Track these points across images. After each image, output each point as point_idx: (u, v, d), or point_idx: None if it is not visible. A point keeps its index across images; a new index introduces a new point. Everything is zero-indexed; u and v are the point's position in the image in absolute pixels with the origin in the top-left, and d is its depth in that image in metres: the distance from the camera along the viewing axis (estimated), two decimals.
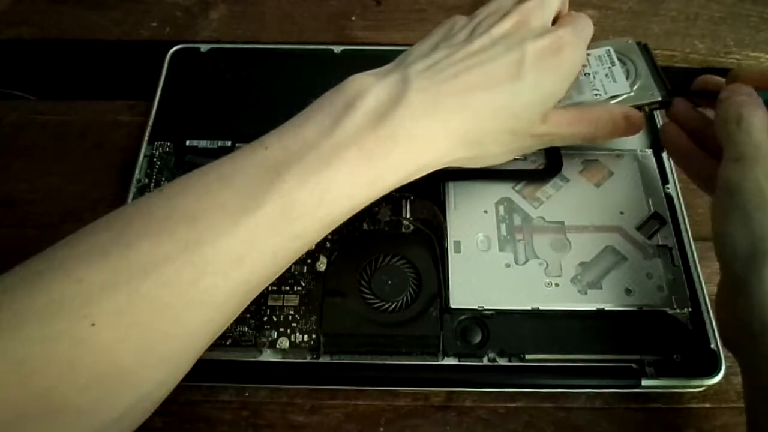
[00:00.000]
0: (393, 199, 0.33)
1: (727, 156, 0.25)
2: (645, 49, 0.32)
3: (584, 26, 0.29)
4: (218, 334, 0.24)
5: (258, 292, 0.25)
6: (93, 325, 0.20)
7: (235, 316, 0.25)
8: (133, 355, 0.21)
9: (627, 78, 0.31)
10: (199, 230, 0.22)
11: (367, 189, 0.25)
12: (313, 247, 0.31)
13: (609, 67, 0.31)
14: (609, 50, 0.32)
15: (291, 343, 0.29)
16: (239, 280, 0.23)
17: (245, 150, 0.25)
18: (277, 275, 0.25)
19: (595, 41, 0.31)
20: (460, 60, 0.26)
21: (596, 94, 0.30)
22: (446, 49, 0.27)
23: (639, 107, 0.31)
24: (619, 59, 0.31)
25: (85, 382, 0.20)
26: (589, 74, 0.31)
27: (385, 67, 0.27)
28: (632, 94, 0.30)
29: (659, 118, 0.36)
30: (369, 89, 0.25)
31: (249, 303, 0.25)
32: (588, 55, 0.31)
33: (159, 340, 0.21)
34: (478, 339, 0.29)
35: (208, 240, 0.22)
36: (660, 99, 0.30)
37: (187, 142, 0.35)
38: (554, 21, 0.29)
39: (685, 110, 0.30)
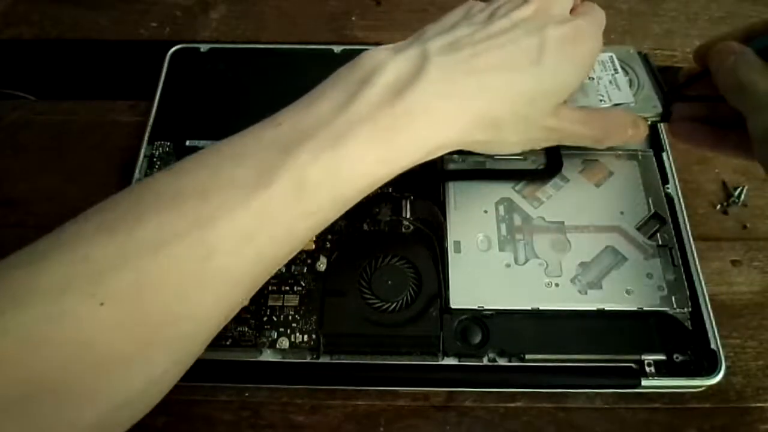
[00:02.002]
0: (393, 199, 0.33)
1: (747, 113, 0.25)
2: (645, 60, 0.32)
3: (600, 16, 0.29)
4: (231, 316, 0.24)
5: (271, 273, 0.24)
6: (101, 304, 0.19)
7: (249, 297, 0.24)
8: (142, 335, 0.20)
9: (630, 87, 0.31)
10: (210, 206, 0.21)
11: (382, 167, 0.24)
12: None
13: (612, 74, 0.31)
14: (612, 57, 0.32)
15: (291, 343, 0.29)
16: (251, 259, 0.22)
17: (257, 127, 0.24)
18: (291, 255, 0.25)
19: None
20: (480, 40, 0.26)
21: (601, 100, 0.30)
22: (466, 28, 0.27)
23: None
24: (621, 67, 0.31)
25: (94, 361, 0.19)
26: (593, 78, 0.31)
27: (401, 42, 0.27)
28: (635, 104, 0.30)
29: None
30: (386, 63, 0.25)
31: (262, 284, 0.24)
32: (598, 53, 0.31)
33: (168, 321, 0.21)
34: (478, 339, 0.29)
35: (219, 216, 0.21)
36: (661, 112, 0.30)
37: (187, 142, 0.35)
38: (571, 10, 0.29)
39: (683, 108, 0.31)
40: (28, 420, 0.19)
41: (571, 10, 0.29)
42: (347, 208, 0.25)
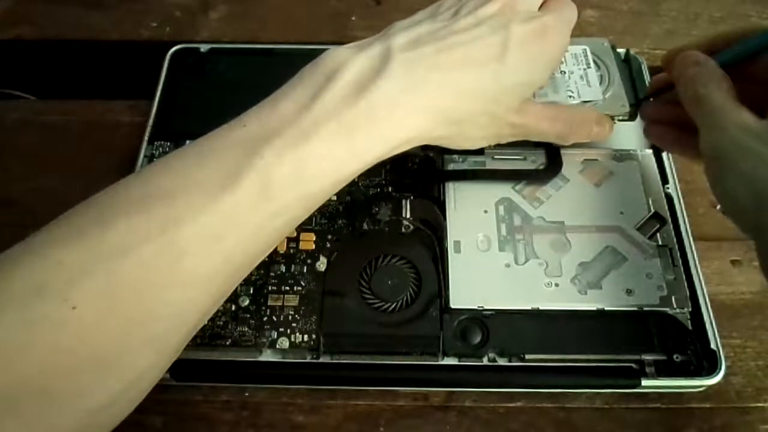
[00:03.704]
0: (393, 199, 0.33)
1: (699, 128, 0.25)
2: (617, 53, 0.32)
3: (569, 13, 0.29)
4: (207, 316, 0.24)
5: (244, 273, 0.24)
6: (74, 308, 0.19)
7: (224, 297, 0.24)
8: (117, 338, 0.20)
9: (600, 83, 0.31)
10: (177, 208, 0.21)
11: (348, 164, 0.25)
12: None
13: (584, 69, 0.31)
14: (585, 50, 0.32)
15: (291, 343, 0.29)
16: (220, 259, 0.22)
17: (223, 128, 0.24)
18: (263, 255, 0.25)
19: (584, 36, 0.31)
20: (444, 37, 0.26)
21: (570, 96, 0.30)
22: (430, 25, 0.27)
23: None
24: (594, 61, 0.31)
25: (69, 365, 0.20)
26: (564, 72, 0.31)
27: (365, 39, 0.27)
28: (603, 102, 0.30)
29: None
30: (349, 61, 0.25)
31: (238, 283, 0.25)
32: (565, 51, 0.31)
33: (142, 322, 0.21)
34: (478, 339, 0.29)
35: (186, 218, 0.21)
36: (628, 111, 0.31)
37: (187, 142, 0.35)
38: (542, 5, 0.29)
39: (654, 110, 0.31)
40: (7, 425, 0.19)
41: (542, 5, 0.29)
42: (316, 207, 0.25)
